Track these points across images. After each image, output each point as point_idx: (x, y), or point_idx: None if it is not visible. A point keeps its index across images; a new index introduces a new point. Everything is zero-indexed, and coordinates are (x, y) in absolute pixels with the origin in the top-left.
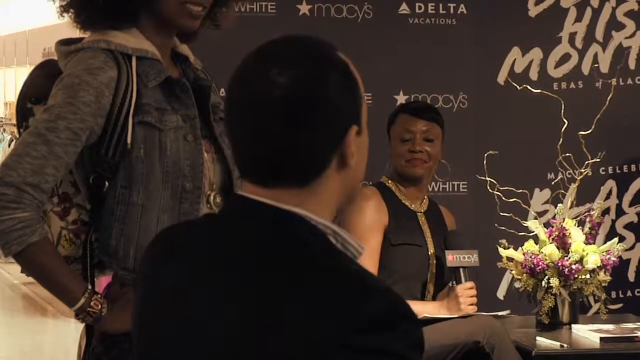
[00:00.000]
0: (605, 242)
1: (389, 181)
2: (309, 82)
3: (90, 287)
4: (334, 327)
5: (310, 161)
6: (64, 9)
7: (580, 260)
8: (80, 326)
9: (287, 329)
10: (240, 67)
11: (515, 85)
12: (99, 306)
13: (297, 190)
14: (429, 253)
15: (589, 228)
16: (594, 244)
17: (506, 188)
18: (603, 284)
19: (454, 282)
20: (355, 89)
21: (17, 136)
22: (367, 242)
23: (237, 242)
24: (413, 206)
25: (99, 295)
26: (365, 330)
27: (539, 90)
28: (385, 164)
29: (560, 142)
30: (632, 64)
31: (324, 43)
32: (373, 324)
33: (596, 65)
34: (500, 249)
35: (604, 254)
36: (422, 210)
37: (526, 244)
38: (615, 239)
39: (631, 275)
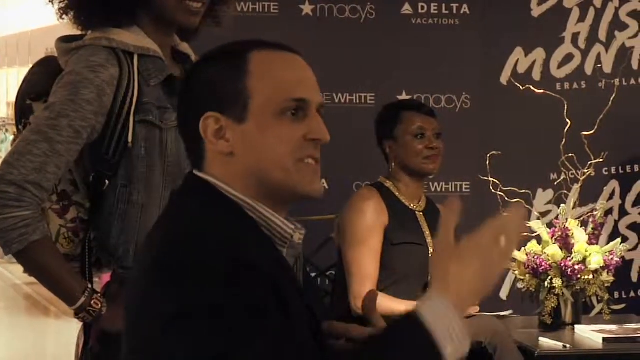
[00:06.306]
0: (608, 243)
1: (387, 181)
2: (189, 74)
3: (90, 286)
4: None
5: (191, 146)
6: (63, 11)
7: (583, 261)
8: None
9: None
10: None
11: (518, 85)
12: (99, 305)
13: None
14: (430, 252)
15: (592, 228)
16: (597, 244)
17: (509, 188)
18: (606, 285)
19: None
20: (238, 79)
21: (16, 132)
22: (367, 242)
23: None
24: (412, 205)
25: (99, 294)
26: None
27: (541, 91)
28: (378, 164)
29: (563, 142)
30: (635, 64)
31: (243, 41)
32: None
33: (599, 65)
34: None
35: (607, 254)
36: (421, 209)
37: (529, 244)
38: (618, 240)
39: (634, 276)
